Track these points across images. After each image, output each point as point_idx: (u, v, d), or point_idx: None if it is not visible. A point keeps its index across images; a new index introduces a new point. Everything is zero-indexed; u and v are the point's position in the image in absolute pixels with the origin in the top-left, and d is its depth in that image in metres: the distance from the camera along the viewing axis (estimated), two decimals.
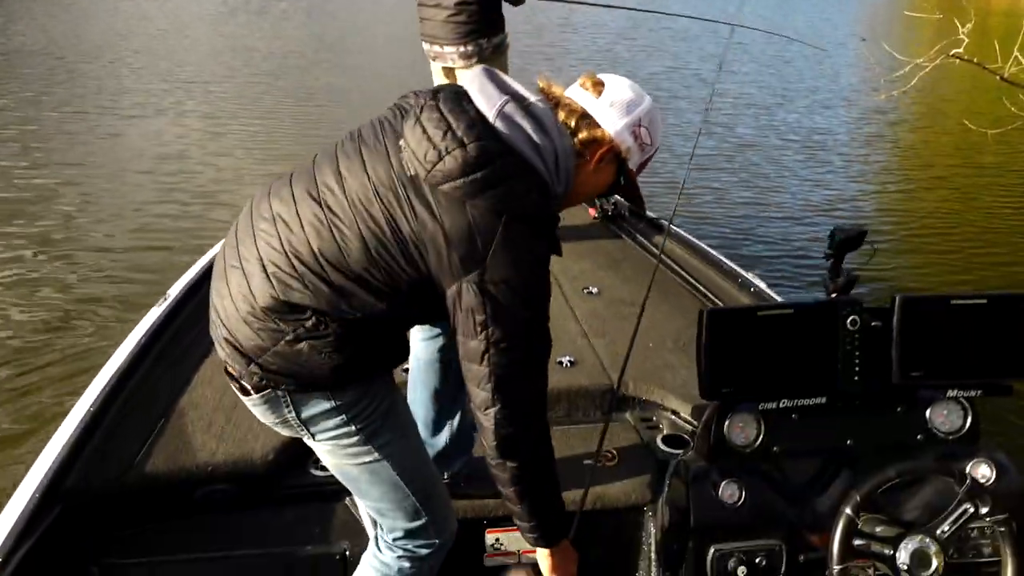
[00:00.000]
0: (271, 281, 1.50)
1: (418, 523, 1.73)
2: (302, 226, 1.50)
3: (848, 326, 1.83)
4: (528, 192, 1.48)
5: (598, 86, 1.60)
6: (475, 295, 1.46)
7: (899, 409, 1.93)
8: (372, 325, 1.52)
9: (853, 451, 1.87)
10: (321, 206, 1.50)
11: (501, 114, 1.48)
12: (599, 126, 1.57)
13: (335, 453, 1.66)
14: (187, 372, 2.64)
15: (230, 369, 1.60)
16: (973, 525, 1.74)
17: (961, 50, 8.87)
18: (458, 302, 1.48)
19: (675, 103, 11.11)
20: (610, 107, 1.58)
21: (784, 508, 1.85)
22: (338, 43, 16.03)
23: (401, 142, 1.50)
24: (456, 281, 1.47)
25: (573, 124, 1.56)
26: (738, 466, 1.86)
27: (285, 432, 1.66)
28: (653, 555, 2.12)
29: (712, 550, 1.80)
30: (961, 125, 9.04)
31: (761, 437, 1.88)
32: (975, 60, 9.11)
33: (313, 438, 1.64)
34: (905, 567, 1.65)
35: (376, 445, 1.64)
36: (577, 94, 1.60)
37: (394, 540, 1.76)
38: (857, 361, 1.84)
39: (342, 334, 1.50)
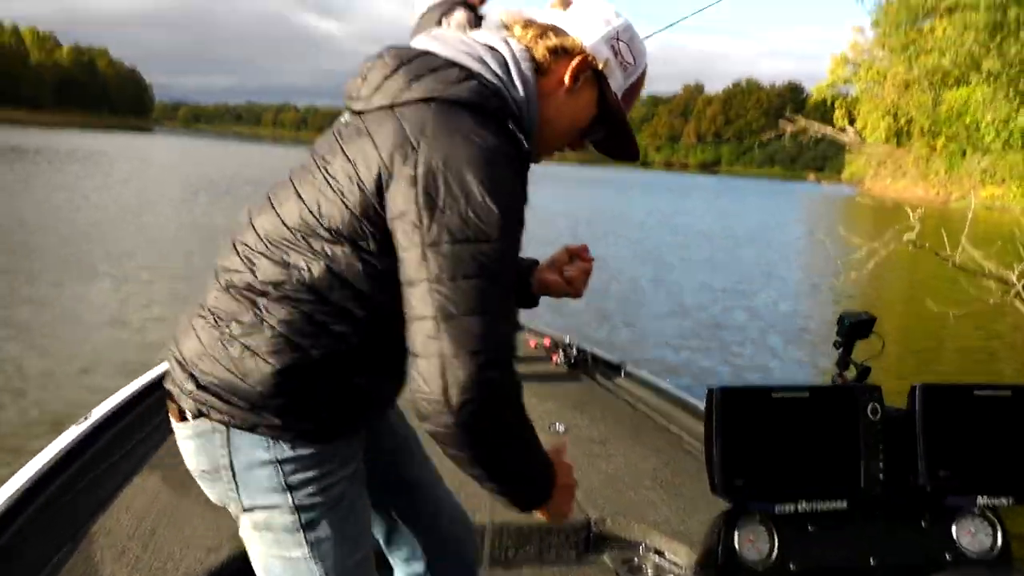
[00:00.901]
0: (217, 279, 1.34)
1: None
2: (251, 223, 1.35)
3: (869, 414, 1.69)
4: (464, 79, 1.26)
5: (566, 4, 1.41)
6: (407, 185, 1.18)
7: (924, 523, 1.76)
8: (317, 321, 1.26)
9: (876, 573, 1.68)
10: (269, 202, 1.35)
11: (430, 35, 1.35)
12: (568, 35, 1.36)
13: (260, 532, 1.34)
14: (103, 496, 2.42)
15: (169, 386, 1.35)
16: None
17: (914, 235, 9.36)
18: (393, 210, 1.20)
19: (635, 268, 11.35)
20: (581, 19, 1.38)
21: None
22: None
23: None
24: (387, 183, 1.21)
25: (532, 35, 1.36)
26: None
27: (214, 493, 1.36)
28: None
29: None
30: (921, 305, 9.31)
31: (775, 551, 1.67)
32: (927, 246, 9.57)
33: (241, 503, 1.33)
34: None
35: (309, 538, 1.32)
36: (541, 13, 1.41)
37: None
38: (881, 457, 1.68)
39: (282, 332, 1.25)
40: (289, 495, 1.31)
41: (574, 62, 1.35)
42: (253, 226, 1.34)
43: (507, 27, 1.39)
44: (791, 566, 1.69)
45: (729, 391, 1.62)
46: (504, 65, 1.31)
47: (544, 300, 1.69)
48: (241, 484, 1.31)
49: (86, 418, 2.83)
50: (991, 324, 9.69)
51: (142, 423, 3.00)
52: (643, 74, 1.45)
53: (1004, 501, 1.77)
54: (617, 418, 3.61)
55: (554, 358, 4.34)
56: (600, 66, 1.37)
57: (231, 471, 1.31)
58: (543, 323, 4.80)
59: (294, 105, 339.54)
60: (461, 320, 1.15)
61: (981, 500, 1.76)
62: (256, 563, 1.39)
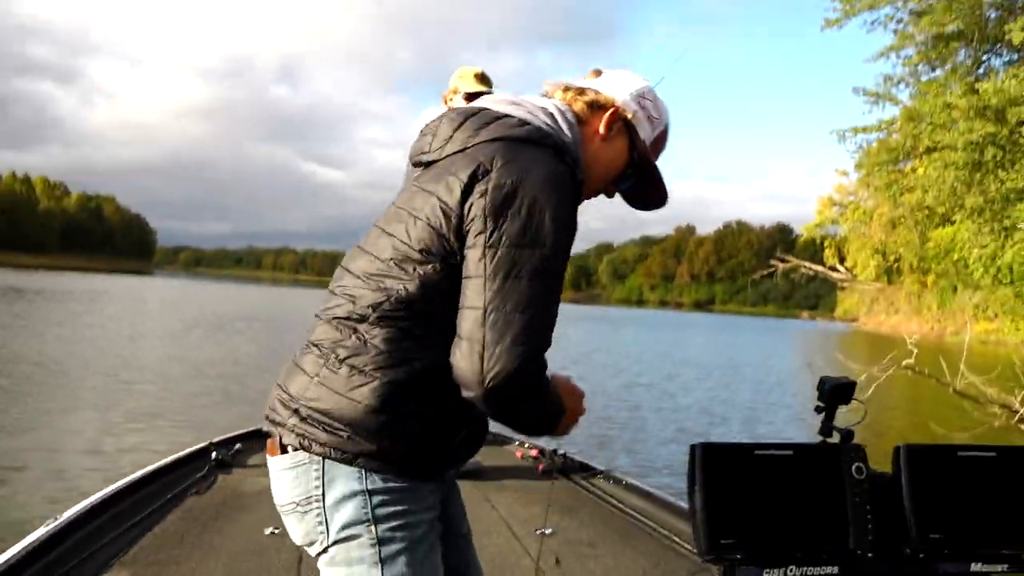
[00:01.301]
0: (319, 318, 1.48)
1: None
2: (346, 270, 1.51)
3: (854, 474, 1.66)
4: (523, 124, 1.48)
5: (597, 73, 1.64)
6: (479, 197, 1.37)
7: None
8: (415, 335, 1.39)
9: None
10: (360, 249, 1.52)
11: (480, 101, 1.56)
12: (602, 93, 1.60)
13: (340, 568, 1.41)
14: None
15: (269, 424, 1.46)
16: None
17: (912, 360, 9.28)
18: (467, 219, 1.38)
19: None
20: (612, 81, 1.62)
21: None
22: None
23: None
24: (466, 201, 1.39)
25: (572, 95, 1.59)
26: None
27: (301, 527, 1.42)
28: None
29: None
30: (924, 430, 9.11)
31: None
32: (926, 372, 9.47)
33: (327, 535, 1.40)
34: None
35: (387, 573, 1.38)
36: (577, 81, 1.64)
37: None
38: (869, 518, 1.64)
39: (384, 349, 1.38)
40: (374, 527, 1.39)
41: (608, 113, 1.58)
42: (349, 271, 1.49)
43: (547, 95, 1.61)
44: None
45: (710, 447, 1.60)
46: (552, 116, 1.52)
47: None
48: (330, 515, 1.39)
49: (55, 519, 2.79)
50: None
51: (111, 526, 2.95)
52: (667, 129, 1.66)
53: (999, 568, 1.72)
54: (605, 521, 3.65)
55: (540, 467, 4.49)
56: (630, 117, 1.59)
57: (322, 502, 1.39)
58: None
59: (293, 248, 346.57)
60: (508, 315, 1.31)
61: (975, 567, 1.71)
62: None
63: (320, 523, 1.40)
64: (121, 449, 7.83)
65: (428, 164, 1.52)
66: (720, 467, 1.60)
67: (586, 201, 1.61)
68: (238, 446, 4.40)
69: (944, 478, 1.70)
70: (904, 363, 9.17)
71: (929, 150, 22.43)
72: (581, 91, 1.59)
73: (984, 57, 24.73)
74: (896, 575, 1.71)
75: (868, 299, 57.56)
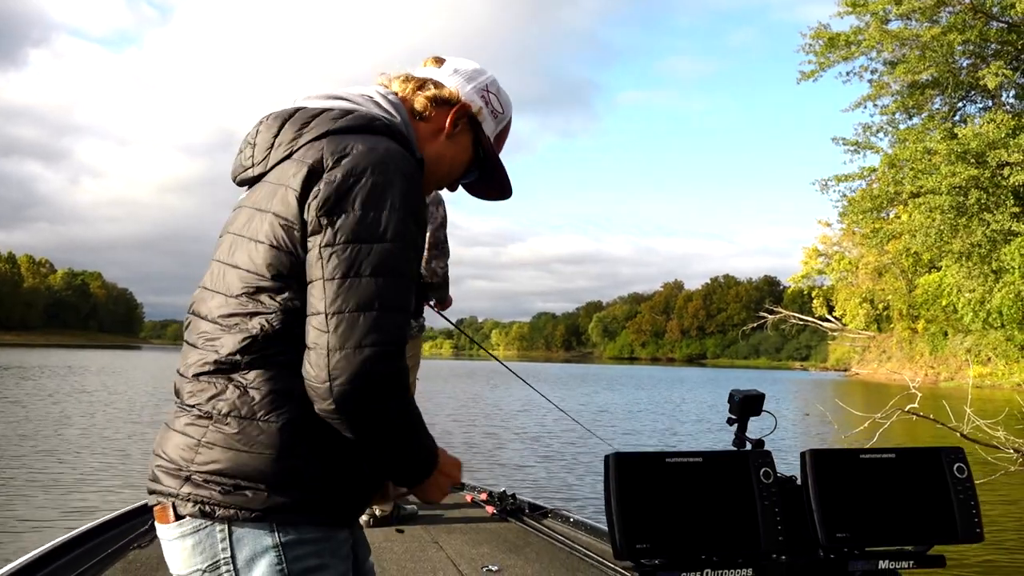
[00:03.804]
0: (183, 377, 1.37)
1: None
2: (197, 316, 1.40)
3: (762, 479, 1.74)
4: (346, 113, 1.40)
5: (439, 60, 1.58)
6: (313, 199, 1.29)
7: None
8: (298, 365, 1.27)
9: None
10: (206, 290, 1.41)
11: (294, 101, 1.47)
12: (445, 86, 1.53)
13: None
14: None
15: (158, 488, 1.33)
16: None
17: (916, 405, 8.99)
18: (308, 227, 1.30)
19: None
20: (454, 73, 1.56)
21: None
22: None
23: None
24: (304, 210, 1.30)
25: (412, 88, 1.51)
26: None
27: None
28: None
29: None
30: None
31: None
32: (931, 416, 9.17)
33: None
34: None
35: None
36: (417, 70, 1.58)
37: None
38: (778, 520, 1.72)
39: (272, 389, 1.28)
40: None
41: (453, 110, 1.52)
42: (201, 316, 1.38)
43: (386, 85, 1.53)
44: None
45: (623, 457, 1.67)
46: (374, 101, 1.46)
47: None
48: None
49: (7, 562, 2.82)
50: (1014, 492, 9.13)
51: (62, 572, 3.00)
52: (509, 123, 1.63)
53: (905, 564, 1.80)
54: (552, 557, 3.72)
55: (489, 509, 4.58)
56: (475, 112, 1.55)
57: (232, 564, 1.29)
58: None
59: None
60: (351, 316, 1.23)
61: (882, 564, 1.78)
62: None
63: None
64: (64, 511, 7.65)
65: (255, 180, 1.43)
66: (633, 475, 1.66)
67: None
68: None
69: (848, 480, 1.78)
70: (908, 408, 8.91)
71: (913, 195, 22.54)
72: (422, 84, 1.53)
73: (959, 104, 25.09)
74: (809, 575, 1.78)
75: (860, 347, 57.47)
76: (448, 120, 1.51)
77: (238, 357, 1.29)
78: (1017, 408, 9.92)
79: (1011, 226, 21.89)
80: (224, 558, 1.29)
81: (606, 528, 3.95)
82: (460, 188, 1.64)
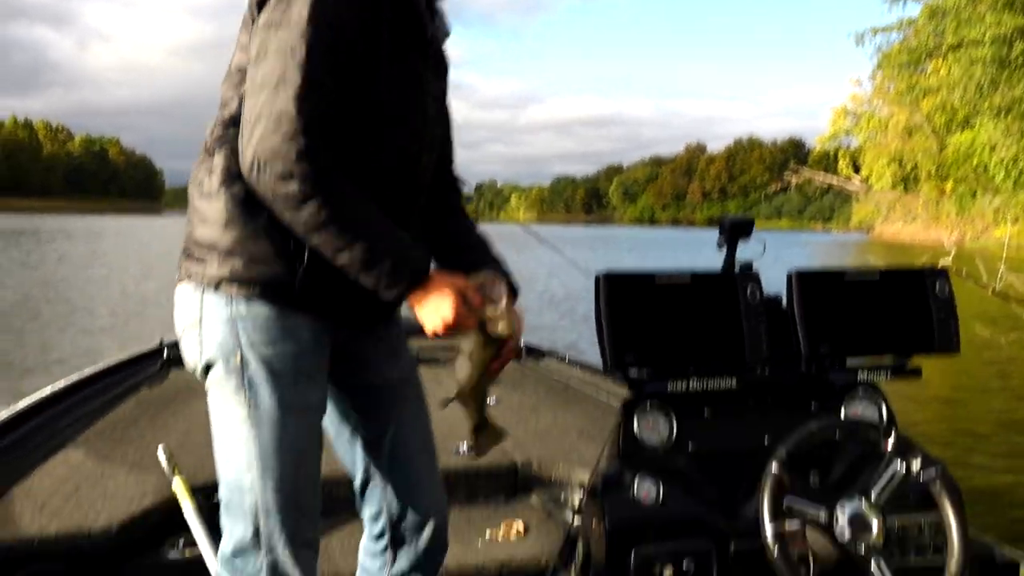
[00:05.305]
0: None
1: (244, 539, 1.41)
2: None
3: (748, 298, 1.79)
4: None
5: None
6: None
7: (813, 406, 1.87)
8: None
9: (772, 451, 1.69)
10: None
11: None
12: None
13: (214, 392, 1.45)
14: (23, 468, 2.43)
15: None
16: (907, 483, 1.66)
17: (949, 261, 8.86)
18: None
19: None
20: None
21: (708, 509, 1.74)
22: None
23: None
24: None
25: None
26: (652, 465, 1.74)
27: (188, 353, 1.48)
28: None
29: (633, 553, 1.65)
30: (972, 331, 8.76)
31: (674, 435, 1.79)
32: (964, 271, 9.05)
33: (201, 359, 1.45)
34: (845, 533, 1.57)
35: (250, 398, 1.40)
36: None
37: (222, 560, 1.45)
38: (763, 335, 1.78)
39: (225, 167, 1.40)
40: (239, 352, 1.39)
41: None
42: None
43: None
44: (689, 447, 1.80)
45: (613, 276, 1.73)
46: None
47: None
48: (204, 340, 1.43)
49: (8, 406, 2.93)
50: None
51: (64, 413, 3.07)
52: None
53: (882, 376, 1.88)
54: (548, 390, 3.78)
55: None
56: None
57: (199, 328, 1.43)
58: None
59: None
60: (256, 96, 1.32)
61: (861, 375, 1.87)
62: (213, 429, 1.46)
63: (197, 347, 1.44)
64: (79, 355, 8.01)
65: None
66: (623, 294, 1.73)
67: None
68: None
69: (833, 298, 1.85)
70: (941, 262, 8.79)
71: (953, 47, 21.53)
72: None
73: None
74: (791, 391, 1.87)
75: (884, 208, 56.64)
76: None
77: (211, 143, 1.44)
78: None
79: None
80: (193, 321, 1.44)
81: (585, 360, 3.86)
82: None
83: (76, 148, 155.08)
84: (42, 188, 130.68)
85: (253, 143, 1.29)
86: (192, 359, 1.47)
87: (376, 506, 1.63)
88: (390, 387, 1.62)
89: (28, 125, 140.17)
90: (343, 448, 1.64)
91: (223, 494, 1.45)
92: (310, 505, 1.46)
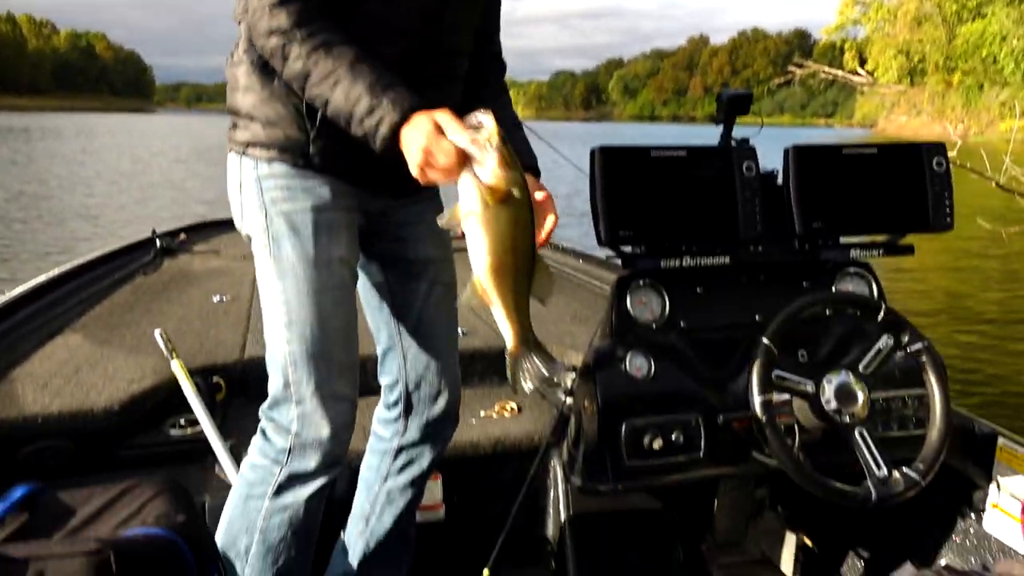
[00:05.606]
0: None
1: (282, 389, 1.46)
2: None
3: (744, 172, 1.77)
4: None
5: None
6: None
7: (805, 284, 1.88)
8: None
9: (763, 327, 1.70)
10: None
11: None
12: None
13: (255, 247, 1.49)
14: (24, 350, 2.45)
15: None
16: (894, 358, 1.70)
17: (954, 154, 8.73)
18: None
19: None
20: None
21: (698, 383, 1.75)
22: None
23: None
24: None
25: None
26: (644, 341, 1.75)
27: (237, 219, 1.53)
28: (566, 453, 1.85)
29: (624, 425, 1.68)
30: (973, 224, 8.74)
31: (666, 312, 1.80)
32: (968, 165, 8.94)
33: (242, 222, 1.52)
34: (830, 403, 1.62)
35: (275, 253, 1.45)
36: None
37: (263, 413, 1.51)
38: (757, 211, 1.76)
39: (246, 35, 1.41)
40: (265, 212, 1.45)
41: None
42: None
43: None
44: (681, 323, 1.79)
45: (609, 149, 1.70)
46: None
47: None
48: (244, 203, 1.49)
49: (3, 293, 2.95)
50: None
51: (59, 300, 3.09)
52: None
53: (874, 253, 1.86)
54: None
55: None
56: None
57: (240, 191, 1.49)
58: None
59: None
60: None
61: (854, 253, 1.85)
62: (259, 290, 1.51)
63: (239, 211, 1.50)
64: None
65: None
66: (618, 168, 1.70)
67: None
68: (183, 236, 4.50)
69: (829, 174, 1.82)
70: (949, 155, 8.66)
71: None
72: None
73: None
74: (783, 268, 1.86)
75: (888, 103, 55.65)
76: None
77: (238, 12, 1.41)
78: None
79: None
80: (235, 186, 1.51)
81: (595, 253, 3.73)
82: None
83: (62, 43, 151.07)
84: (31, 86, 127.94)
85: (248, 2, 1.34)
86: (237, 224, 1.53)
87: (394, 375, 1.67)
88: (424, 264, 1.63)
89: (11, 19, 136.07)
90: (372, 315, 1.68)
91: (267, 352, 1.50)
92: (340, 359, 1.47)
